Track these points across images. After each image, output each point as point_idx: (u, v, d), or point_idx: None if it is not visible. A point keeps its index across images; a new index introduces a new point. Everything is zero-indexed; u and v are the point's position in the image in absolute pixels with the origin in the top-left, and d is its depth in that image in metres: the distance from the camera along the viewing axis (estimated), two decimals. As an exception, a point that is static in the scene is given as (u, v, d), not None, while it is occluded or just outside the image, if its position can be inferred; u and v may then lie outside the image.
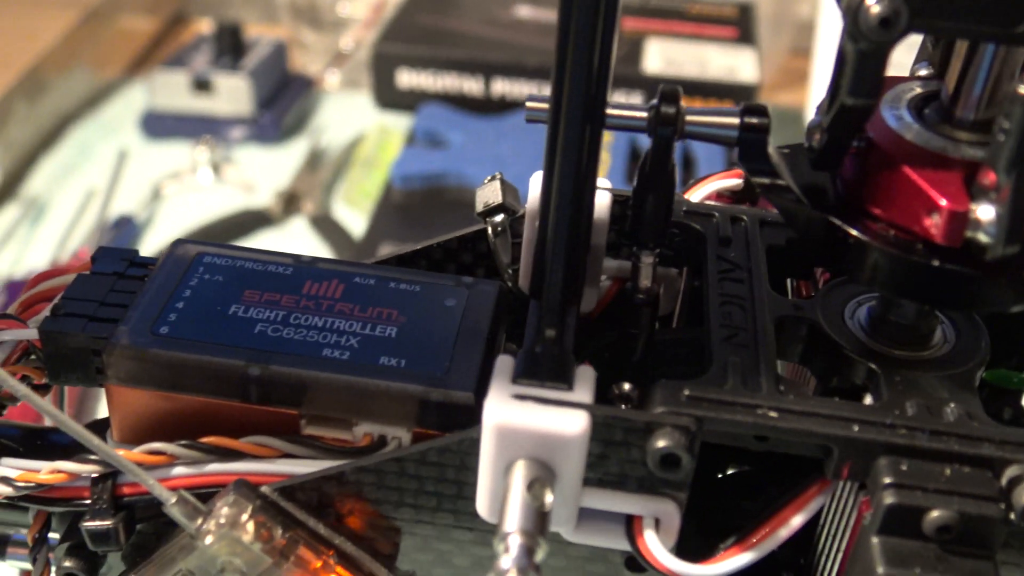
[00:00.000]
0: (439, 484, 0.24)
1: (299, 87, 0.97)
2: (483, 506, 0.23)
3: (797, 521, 0.23)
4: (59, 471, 0.25)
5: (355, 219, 0.83)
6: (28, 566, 0.34)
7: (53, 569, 0.28)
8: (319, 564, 0.24)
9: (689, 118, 0.24)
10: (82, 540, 0.26)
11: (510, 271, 0.30)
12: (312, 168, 0.88)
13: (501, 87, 0.80)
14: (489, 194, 0.30)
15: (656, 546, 0.23)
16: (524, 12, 0.88)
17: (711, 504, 0.27)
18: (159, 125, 0.92)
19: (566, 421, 0.22)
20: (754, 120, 0.23)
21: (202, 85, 0.91)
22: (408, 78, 0.82)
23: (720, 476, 0.29)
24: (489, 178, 0.30)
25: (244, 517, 0.23)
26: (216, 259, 0.28)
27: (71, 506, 0.25)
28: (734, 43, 0.84)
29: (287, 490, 0.24)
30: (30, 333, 0.27)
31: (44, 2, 0.99)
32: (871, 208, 0.23)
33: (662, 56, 0.82)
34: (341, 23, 1.06)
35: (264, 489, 0.24)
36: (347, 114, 0.97)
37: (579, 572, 0.25)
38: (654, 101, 0.24)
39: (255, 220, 0.82)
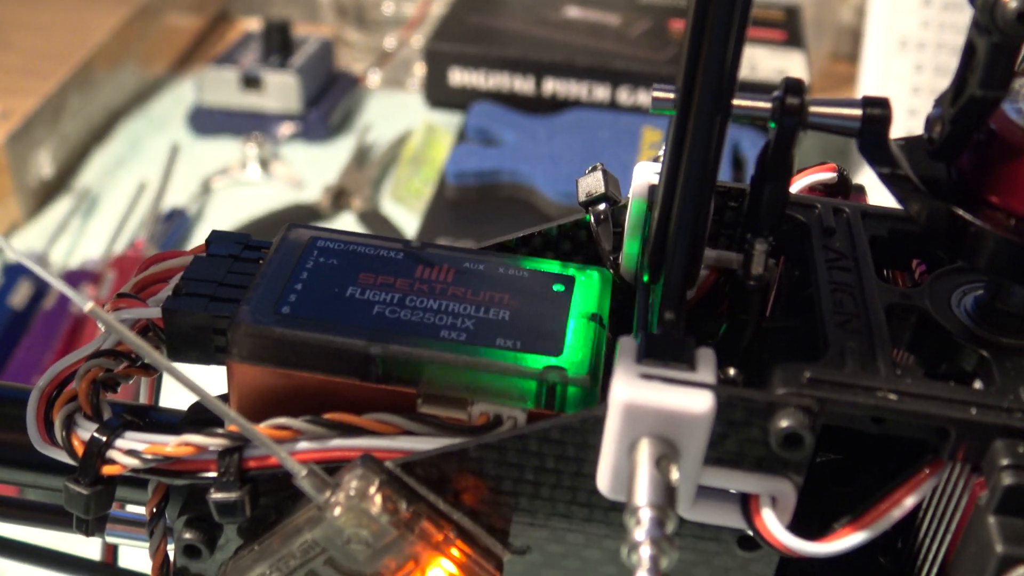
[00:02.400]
0: (559, 462, 0.25)
1: (345, 85, 0.98)
2: (604, 483, 0.24)
3: (910, 502, 0.24)
4: (187, 444, 0.25)
5: (403, 216, 0.83)
6: (126, 542, 0.35)
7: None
8: (440, 538, 0.25)
9: (812, 109, 0.24)
10: (201, 513, 0.27)
11: (612, 259, 0.30)
12: (359, 165, 0.89)
13: (552, 86, 0.81)
14: (592, 184, 0.31)
15: (774, 524, 0.24)
16: (573, 12, 0.88)
17: (804, 489, 0.27)
18: (207, 121, 0.94)
19: (693, 400, 0.22)
20: (876, 111, 0.24)
21: (251, 82, 0.92)
22: (460, 76, 0.83)
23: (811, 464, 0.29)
24: (590, 168, 0.31)
25: (372, 490, 0.24)
26: (329, 243, 0.29)
27: (195, 479, 0.26)
28: (782, 45, 0.85)
29: (409, 465, 0.25)
30: (152, 312, 0.28)
31: (95, -2, 1.00)
32: (990, 197, 0.23)
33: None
34: (385, 22, 1.07)
35: (387, 464, 0.25)
36: (392, 112, 0.98)
37: (691, 551, 0.26)
38: (778, 92, 0.24)
39: (304, 215, 0.83)
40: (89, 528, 0.27)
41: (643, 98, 0.80)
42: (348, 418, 0.26)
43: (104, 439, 0.26)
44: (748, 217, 0.26)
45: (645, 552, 0.21)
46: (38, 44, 0.92)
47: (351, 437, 0.26)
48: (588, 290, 0.28)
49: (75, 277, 0.72)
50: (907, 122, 0.83)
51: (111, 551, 0.40)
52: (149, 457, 0.26)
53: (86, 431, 0.26)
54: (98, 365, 0.28)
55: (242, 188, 0.88)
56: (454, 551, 0.25)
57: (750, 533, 0.25)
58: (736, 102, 0.24)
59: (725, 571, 0.26)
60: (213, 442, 0.25)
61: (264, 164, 0.89)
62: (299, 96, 0.92)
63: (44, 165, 0.84)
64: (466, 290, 0.28)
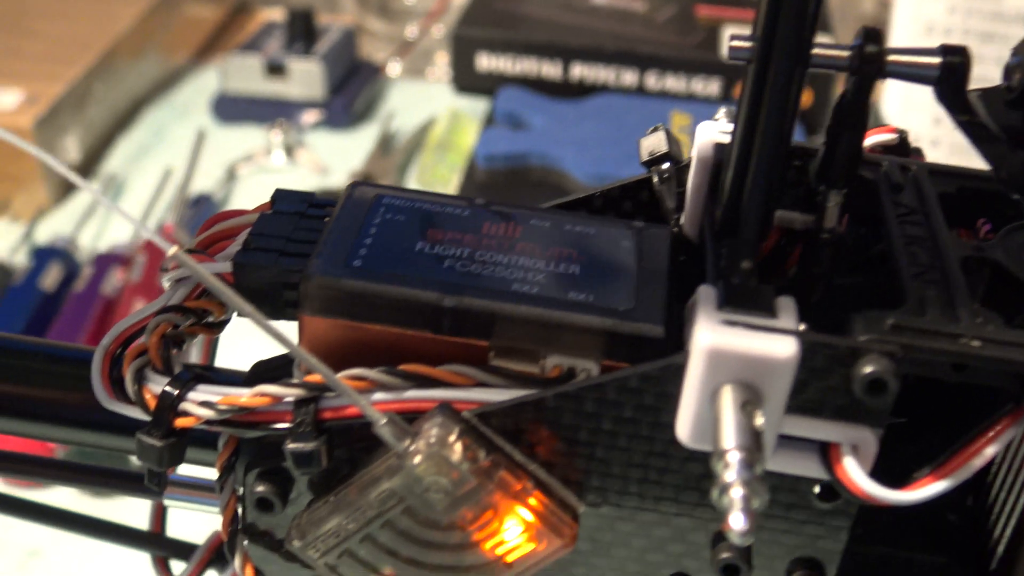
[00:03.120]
0: (637, 411, 0.25)
1: (367, 74, 0.98)
2: (685, 431, 0.24)
3: (991, 451, 0.24)
4: (263, 394, 0.25)
5: (429, 202, 0.83)
6: (184, 505, 0.35)
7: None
8: (519, 487, 0.25)
9: (890, 58, 0.24)
10: (273, 467, 0.27)
11: (675, 218, 0.30)
12: (384, 152, 0.89)
13: (579, 71, 0.81)
14: (654, 143, 0.31)
15: (856, 472, 0.24)
16: (599, -1, 0.89)
17: None
18: (231, 108, 0.94)
19: (777, 345, 0.22)
20: (954, 59, 0.24)
21: (275, 69, 0.92)
22: (487, 62, 0.83)
23: None
24: (652, 129, 0.31)
25: (452, 438, 0.24)
26: (395, 200, 0.29)
27: (270, 430, 0.26)
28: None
29: (485, 416, 0.25)
30: (222, 266, 0.28)
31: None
32: (1071, 145, 0.23)
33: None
34: (407, 12, 1.07)
35: (465, 414, 0.25)
36: (415, 100, 0.98)
37: (769, 504, 0.26)
38: (857, 40, 0.24)
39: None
40: (161, 481, 0.27)
41: (671, 83, 0.80)
42: (423, 369, 0.26)
43: (176, 392, 0.26)
44: (822, 168, 0.26)
45: (736, 493, 0.21)
46: (62, 32, 0.92)
47: (426, 388, 0.26)
48: (654, 246, 0.28)
49: (105, 261, 0.72)
50: (933, 108, 0.82)
51: (159, 520, 0.40)
52: (224, 408, 0.26)
53: (157, 385, 0.26)
54: (167, 320, 0.28)
55: (267, 175, 0.88)
56: (532, 501, 0.25)
57: (830, 482, 0.25)
58: (814, 51, 0.24)
59: (801, 524, 0.26)
60: (289, 392, 0.25)
61: (289, 151, 0.89)
62: (323, 83, 0.92)
63: (71, 150, 0.85)
64: (535, 246, 0.28)
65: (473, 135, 0.86)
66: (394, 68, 1.03)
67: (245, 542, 0.28)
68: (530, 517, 0.25)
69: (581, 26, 0.83)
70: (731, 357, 0.23)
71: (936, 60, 0.24)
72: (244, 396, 0.26)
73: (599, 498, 0.26)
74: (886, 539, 0.27)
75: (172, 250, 0.23)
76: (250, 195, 0.85)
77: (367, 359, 0.26)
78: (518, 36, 0.82)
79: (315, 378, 0.25)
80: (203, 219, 0.80)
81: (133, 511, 0.59)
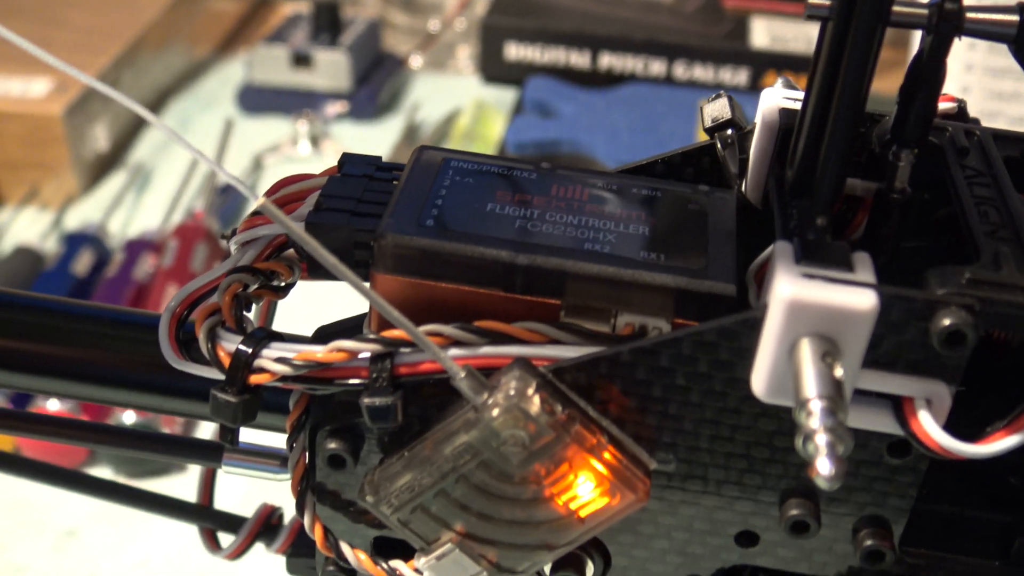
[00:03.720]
0: (712, 367, 0.25)
1: (390, 66, 0.99)
2: (761, 385, 0.24)
3: (1063, 407, 0.24)
4: (339, 349, 0.26)
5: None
6: (243, 472, 0.35)
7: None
8: (594, 441, 0.25)
9: (969, 15, 0.24)
10: (345, 424, 0.27)
11: (738, 183, 0.30)
12: (410, 142, 0.89)
13: (608, 61, 0.81)
14: (718, 110, 0.31)
15: (932, 425, 0.24)
16: (627, -10, 0.89)
17: None
18: (257, 99, 0.94)
19: (857, 297, 0.23)
20: (1032, 17, 0.24)
21: (301, 60, 0.93)
22: (516, 51, 0.83)
23: None
24: (714, 96, 0.31)
25: (530, 390, 0.24)
26: (463, 163, 0.29)
27: (345, 386, 0.26)
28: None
29: (560, 371, 0.25)
30: (295, 226, 0.28)
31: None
32: None
33: (768, 32, 0.82)
34: (430, 5, 1.08)
35: (540, 369, 0.25)
36: (439, 92, 0.98)
37: None
38: (935, -4, 0.25)
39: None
40: (234, 439, 0.27)
41: (699, 72, 0.80)
42: (498, 326, 0.26)
43: (251, 349, 0.26)
44: (895, 128, 0.26)
45: (822, 439, 0.21)
46: (90, 22, 0.92)
47: (501, 345, 0.26)
48: (721, 209, 0.29)
49: (136, 246, 0.73)
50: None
51: (207, 492, 0.40)
52: (300, 363, 0.26)
53: (231, 343, 0.27)
54: (239, 280, 0.28)
55: (293, 164, 0.89)
56: (606, 455, 0.25)
57: (903, 436, 0.25)
58: (894, 8, 0.24)
59: (871, 481, 0.26)
60: (366, 347, 0.26)
61: (315, 141, 0.89)
62: (349, 74, 0.93)
63: (100, 139, 0.85)
64: (603, 207, 0.28)
65: (499, 125, 0.86)
66: (416, 61, 1.04)
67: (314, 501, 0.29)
68: (604, 472, 0.25)
69: (609, 16, 0.83)
70: (811, 309, 0.23)
71: (1014, 18, 0.24)
72: (320, 352, 0.26)
73: (670, 455, 0.26)
74: (951, 499, 0.27)
75: (260, 200, 0.23)
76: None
77: (438, 318, 0.27)
78: (547, 25, 0.82)
79: (392, 333, 0.26)
80: (232, 207, 0.80)
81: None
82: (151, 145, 0.91)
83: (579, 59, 0.82)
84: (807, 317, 0.23)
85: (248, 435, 0.36)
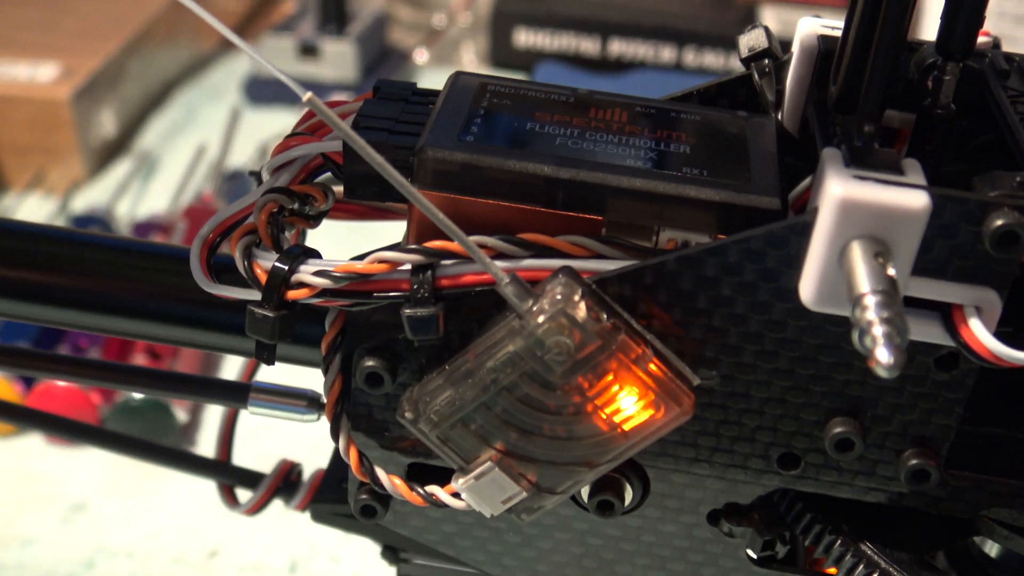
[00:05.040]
0: (758, 276, 0.24)
1: (396, 60, 0.99)
2: (810, 292, 0.24)
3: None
4: (381, 260, 0.25)
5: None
6: (269, 412, 0.34)
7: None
8: (639, 351, 0.25)
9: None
10: (382, 342, 0.27)
11: (775, 112, 0.30)
12: (417, 132, 0.89)
13: (618, 47, 0.81)
14: (755, 39, 0.31)
15: (983, 332, 0.24)
16: (635, -22, 0.89)
17: None
18: (263, 90, 0.94)
19: (910, 197, 0.22)
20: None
21: (308, 50, 0.93)
22: (526, 37, 0.83)
23: None
24: (751, 27, 0.31)
25: (576, 296, 0.24)
26: (500, 87, 0.29)
27: (387, 298, 0.26)
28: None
29: (604, 282, 0.25)
30: (331, 145, 0.28)
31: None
32: None
33: (778, 20, 0.83)
34: (435, 0, 1.08)
35: (585, 280, 0.25)
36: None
37: None
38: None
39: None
40: (270, 356, 0.27)
41: (709, 59, 0.80)
42: (542, 238, 0.26)
43: (287, 266, 0.26)
44: (940, 41, 0.26)
45: (879, 331, 0.21)
46: (97, 10, 0.92)
47: (544, 258, 0.25)
48: (761, 132, 0.28)
49: (145, 228, 0.72)
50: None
51: (225, 449, 0.40)
52: (339, 275, 0.25)
53: (267, 260, 0.26)
54: (274, 199, 0.28)
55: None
56: (652, 366, 0.25)
57: (951, 349, 0.25)
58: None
59: (916, 398, 0.26)
60: (407, 257, 0.25)
61: (322, 130, 0.89)
62: (356, 65, 0.92)
63: (107, 124, 0.85)
64: (644, 128, 0.28)
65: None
66: (422, 56, 1.04)
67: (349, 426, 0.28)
68: (649, 383, 0.25)
69: (618, 3, 0.84)
70: (863, 209, 0.22)
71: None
72: (361, 263, 0.26)
73: (713, 371, 0.26)
74: (995, 421, 0.27)
75: (307, 95, 0.23)
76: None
77: (478, 234, 0.26)
78: (557, 10, 0.82)
79: (433, 245, 0.25)
80: (239, 193, 0.80)
81: (173, 476, 0.59)
82: (158, 132, 0.90)
83: (589, 45, 0.82)
84: (859, 218, 0.23)
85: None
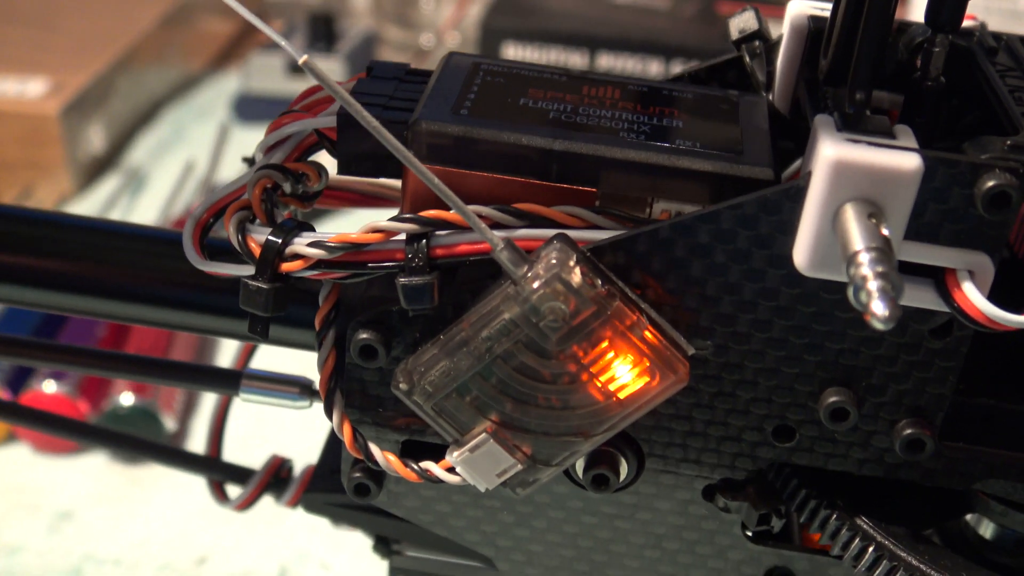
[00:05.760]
0: (751, 242, 0.25)
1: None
2: (804, 256, 0.24)
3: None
4: (376, 230, 0.25)
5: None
6: (262, 399, 0.34)
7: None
8: (634, 318, 0.25)
9: None
10: (375, 315, 0.27)
11: (765, 92, 0.31)
12: (406, 148, 0.89)
13: (606, 61, 0.82)
14: (745, 21, 0.31)
15: (976, 296, 0.24)
16: (621, -3, 0.90)
17: None
18: (252, 108, 0.94)
19: (902, 159, 0.23)
20: None
21: (297, 68, 0.93)
22: (514, 52, 0.83)
23: None
24: (742, 8, 0.31)
25: (571, 262, 0.24)
26: (493, 66, 0.29)
27: (381, 268, 0.26)
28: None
29: (599, 250, 0.25)
30: (325, 121, 0.28)
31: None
32: None
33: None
34: (423, 21, 1.09)
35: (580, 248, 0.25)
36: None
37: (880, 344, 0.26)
38: None
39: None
40: (264, 330, 0.27)
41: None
42: (536, 208, 0.26)
43: (280, 239, 0.26)
44: (930, 13, 0.26)
45: (873, 285, 0.21)
46: (85, 28, 0.92)
47: (540, 228, 0.26)
48: (752, 110, 0.29)
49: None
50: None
51: (215, 445, 0.39)
52: (334, 245, 0.25)
53: (260, 235, 0.26)
54: (267, 175, 0.28)
55: (289, 170, 0.88)
56: (647, 334, 0.25)
57: (945, 316, 0.25)
58: None
59: (910, 367, 0.26)
60: (402, 227, 0.25)
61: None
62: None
63: (95, 140, 0.85)
64: (636, 104, 0.28)
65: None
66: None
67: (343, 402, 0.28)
68: (644, 350, 0.25)
69: (606, 19, 0.84)
70: (856, 170, 0.23)
71: None
72: (355, 233, 0.26)
73: (707, 341, 0.26)
74: (988, 392, 0.27)
75: (303, 58, 0.23)
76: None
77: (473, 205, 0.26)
78: (545, 25, 0.83)
79: (428, 214, 0.25)
80: (228, 207, 0.79)
81: (161, 484, 0.58)
82: (146, 149, 0.90)
83: (577, 60, 0.83)
84: (852, 179, 0.23)
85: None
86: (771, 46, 0.31)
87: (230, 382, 0.34)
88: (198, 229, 0.29)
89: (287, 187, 0.28)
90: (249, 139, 0.92)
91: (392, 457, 0.28)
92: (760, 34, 0.31)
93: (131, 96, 0.91)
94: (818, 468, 0.28)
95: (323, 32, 0.95)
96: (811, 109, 0.27)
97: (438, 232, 0.25)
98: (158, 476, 0.58)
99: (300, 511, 0.37)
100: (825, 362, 0.26)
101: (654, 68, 0.81)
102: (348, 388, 0.28)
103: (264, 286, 0.26)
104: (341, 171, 0.28)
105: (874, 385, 0.26)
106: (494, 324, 0.25)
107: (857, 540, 0.27)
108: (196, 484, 0.56)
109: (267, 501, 0.38)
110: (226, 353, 0.67)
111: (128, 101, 0.91)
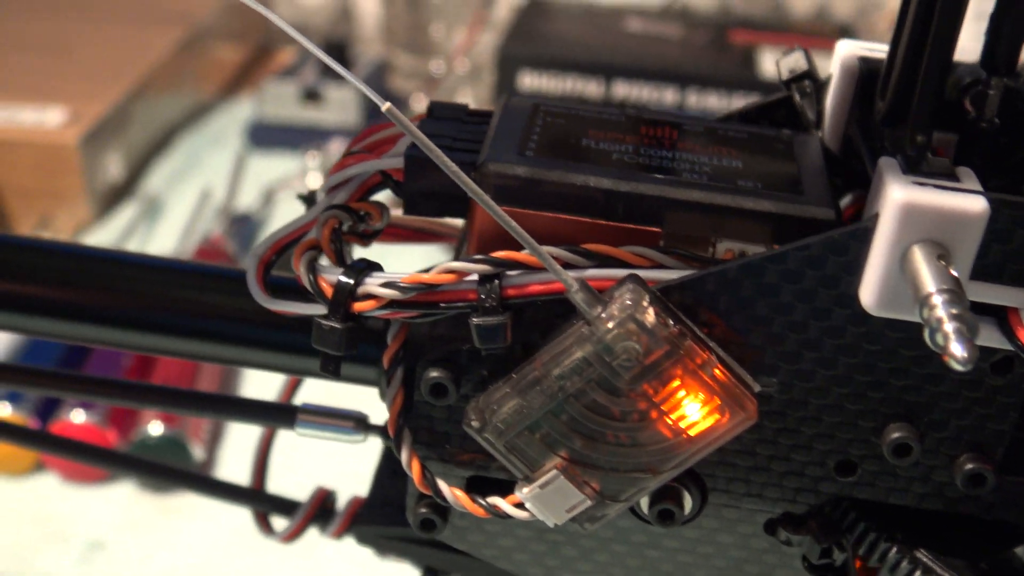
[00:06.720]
0: (817, 282, 0.25)
1: (395, 105, 1.00)
2: (872, 296, 0.24)
3: None
4: (449, 271, 0.26)
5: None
6: (318, 434, 0.35)
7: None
8: (705, 356, 0.25)
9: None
10: (446, 354, 0.27)
11: (815, 130, 0.31)
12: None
13: (622, 89, 0.83)
14: (794, 62, 0.32)
15: (1041, 333, 0.24)
16: (635, 26, 0.91)
17: None
18: (266, 135, 0.95)
19: (969, 202, 0.23)
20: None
21: (312, 95, 0.94)
22: (531, 80, 0.84)
23: None
24: (788, 50, 0.32)
25: (645, 303, 0.25)
26: (553, 106, 0.30)
27: (453, 309, 0.26)
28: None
29: (667, 290, 0.26)
30: (391, 162, 0.29)
31: (153, 18, 1.02)
32: None
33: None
34: (433, 48, 1.10)
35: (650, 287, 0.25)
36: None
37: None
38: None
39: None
40: (336, 368, 0.27)
41: (712, 101, 0.81)
42: (605, 248, 0.26)
43: (353, 278, 0.26)
44: (985, 57, 0.27)
45: (950, 327, 0.22)
46: (101, 57, 0.93)
47: (608, 268, 0.26)
48: (807, 148, 0.29)
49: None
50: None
51: (259, 477, 0.40)
52: (407, 286, 0.26)
53: (332, 275, 0.27)
54: (335, 216, 0.28)
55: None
56: (717, 372, 0.25)
57: (1007, 353, 0.25)
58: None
59: (972, 403, 0.26)
60: (475, 268, 0.26)
61: (326, 174, 0.90)
62: (358, 110, 0.93)
63: (113, 169, 0.85)
64: (695, 144, 0.29)
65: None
66: (420, 102, 1.05)
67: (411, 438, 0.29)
68: (715, 388, 0.25)
69: (620, 47, 0.85)
70: (924, 213, 0.23)
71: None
72: (428, 274, 0.26)
73: (772, 378, 0.26)
74: None
75: (386, 105, 0.23)
76: (288, 216, 0.86)
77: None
78: (562, 53, 0.84)
79: (500, 254, 0.26)
80: (246, 235, 0.80)
81: (191, 513, 0.59)
82: (162, 176, 0.91)
83: (593, 88, 0.84)
84: (920, 222, 0.23)
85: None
86: (820, 85, 0.32)
87: (286, 417, 0.34)
88: (261, 267, 0.29)
89: (348, 226, 0.29)
90: (264, 167, 0.92)
91: (459, 493, 0.28)
92: (810, 74, 0.31)
93: (147, 124, 0.92)
94: (876, 502, 0.28)
95: (336, 59, 0.95)
96: (866, 150, 0.28)
97: (509, 272, 0.26)
98: (187, 505, 0.58)
99: (330, 540, 0.37)
100: (888, 398, 0.26)
101: (669, 96, 0.82)
102: (415, 425, 0.28)
103: (337, 326, 0.26)
104: (407, 211, 0.28)
105: (936, 420, 0.27)
106: (567, 363, 0.25)
107: (918, 573, 0.27)
108: (225, 513, 0.56)
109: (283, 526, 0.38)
110: (249, 383, 0.67)
111: (144, 129, 0.92)
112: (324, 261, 0.28)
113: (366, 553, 0.37)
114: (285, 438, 0.38)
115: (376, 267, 0.27)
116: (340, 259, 0.28)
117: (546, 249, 0.26)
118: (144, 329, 0.31)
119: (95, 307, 0.31)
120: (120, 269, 0.32)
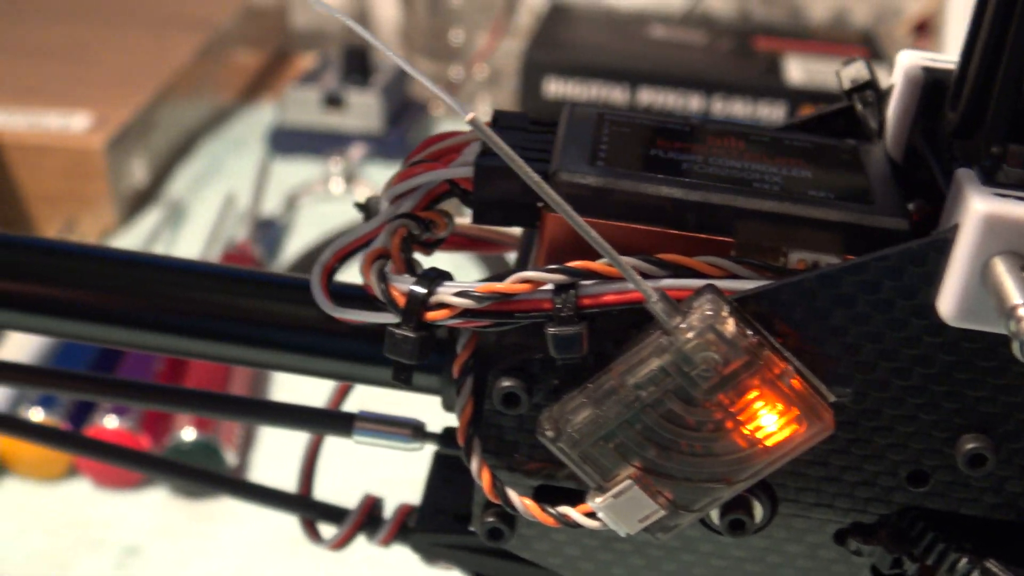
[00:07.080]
0: (894, 292, 0.25)
1: (415, 111, 1.00)
2: (951, 307, 0.24)
3: None
4: (524, 280, 0.26)
5: (492, 226, 0.84)
6: (376, 442, 0.35)
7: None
8: (783, 366, 0.25)
9: None
10: (519, 363, 0.27)
11: (877, 139, 0.31)
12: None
13: (647, 96, 0.83)
14: (856, 71, 0.32)
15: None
16: (658, 32, 0.91)
17: None
18: (288, 141, 0.95)
19: (1053, 212, 0.23)
20: None
21: (333, 101, 0.94)
22: (555, 87, 0.84)
23: None
24: (849, 60, 0.32)
25: (724, 313, 0.25)
26: (618, 117, 0.30)
27: (528, 318, 0.26)
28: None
29: (743, 300, 0.26)
30: (460, 171, 0.29)
31: (174, 24, 1.02)
32: None
33: (803, 68, 0.85)
34: (453, 53, 1.10)
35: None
36: (466, 136, 0.99)
37: None
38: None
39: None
40: (408, 377, 0.27)
41: (737, 108, 0.81)
42: (680, 258, 0.26)
43: (426, 287, 0.26)
44: None
45: (1041, 339, 0.22)
46: (124, 63, 0.93)
47: (682, 278, 0.26)
48: (873, 158, 0.29)
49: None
50: None
51: (306, 484, 0.40)
52: (481, 295, 0.26)
53: (404, 282, 0.27)
54: (404, 225, 0.28)
55: (327, 203, 0.89)
56: (794, 382, 0.25)
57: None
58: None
59: (1043, 413, 0.26)
60: (551, 277, 0.26)
61: (348, 179, 0.90)
62: (380, 115, 0.94)
63: (138, 173, 0.85)
64: (762, 154, 0.29)
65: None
66: (439, 108, 1.05)
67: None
68: (793, 398, 0.25)
69: (644, 54, 0.85)
70: (1006, 224, 0.23)
71: None
72: (503, 283, 0.26)
73: (847, 388, 0.26)
74: None
75: (470, 115, 0.23)
76: (312, 221, 0.86)
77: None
78: (587, 60, 0.84)
79: (575, 264, 0.26)
80: (271, 240, 0.80)
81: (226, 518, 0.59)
82: (185, 181, 0.91)
83: (618, 95, 0.84)
84: (1002, 233, 0.23)
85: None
86: (881, 95, 0.32)
87: (342, 424, 0.34)
88: (324, 275, 0.29)
89: (415, 235, 0.29)
90: (285, 172, 0.92)
91: (529, 502, 0.28)
92: (872, 84, 0.32)
93: (170, 129, 0.92)
94: (946, 512, 0.28)
95: (358, 65, 0.96)
96: (934, 160, 0.28)
97: (583, 282, 0.26)
98: (222, 510, 0.58)
99: (365, 546, 0.37)
100: (963, 409, 0.26)
101: (694, 103, 0.82)
102: (485, 434, 0.28)
103: (411, 335, 0.26)
104: (476, 220, 0.28)
105: (1010, 431, 0.27)
106: (643, 373, 0.25)
107: (990, 583, 0.27)
108: (258, 519, 0.56)
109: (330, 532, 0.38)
110: (278, 387, 0.67)
111: (167, 134, 0.92)
112: (391, 268, 0.28)
113: (399, 559, 0.37)
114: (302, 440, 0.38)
115: (447, 276, 0.27)
116: (409, 268, 0.28)
117: (624, 259, 0.26)
118: (209, 338, 0.31)
119: (165, 317, 0.31)
120: (179, 277, 0.32)
